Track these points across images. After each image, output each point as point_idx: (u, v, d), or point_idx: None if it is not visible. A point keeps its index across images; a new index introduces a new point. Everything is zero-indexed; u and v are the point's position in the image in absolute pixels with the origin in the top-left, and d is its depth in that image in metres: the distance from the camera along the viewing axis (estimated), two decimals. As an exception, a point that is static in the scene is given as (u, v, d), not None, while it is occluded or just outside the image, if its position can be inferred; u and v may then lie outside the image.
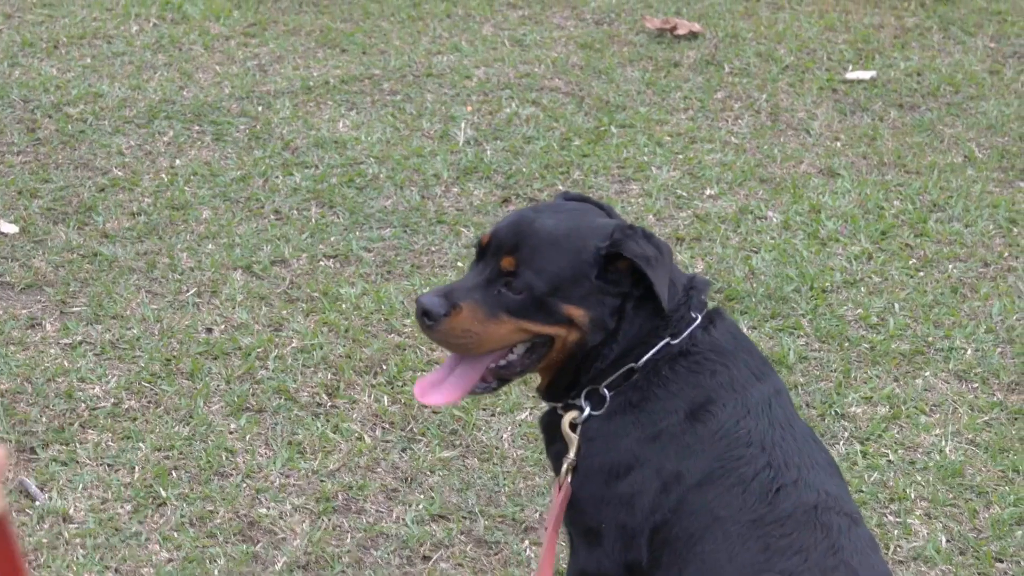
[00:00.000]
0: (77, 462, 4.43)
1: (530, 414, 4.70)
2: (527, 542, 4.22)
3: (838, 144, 6.69)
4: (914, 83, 7.35)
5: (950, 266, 5.67)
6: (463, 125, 6.66)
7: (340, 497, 4.35)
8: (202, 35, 7.54)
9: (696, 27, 7.83)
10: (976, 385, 4.97)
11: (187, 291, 5.30)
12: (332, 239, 5.67)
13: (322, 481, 4.40)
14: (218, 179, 6.09)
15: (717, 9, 8.21)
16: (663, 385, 3.20)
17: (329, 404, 4.74)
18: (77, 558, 4.07)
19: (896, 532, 4.27)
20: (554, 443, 3.31)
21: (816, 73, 7.42)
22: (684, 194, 6.15)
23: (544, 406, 3.39)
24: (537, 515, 4.31)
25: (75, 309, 5.17)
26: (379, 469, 4.48)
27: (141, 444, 4.51)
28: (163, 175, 6.12)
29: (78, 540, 4.13)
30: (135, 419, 4.63)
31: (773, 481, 3.12)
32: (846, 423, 4.74)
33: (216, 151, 6.36)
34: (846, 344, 5.14)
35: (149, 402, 4.71)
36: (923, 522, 4.32)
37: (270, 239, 5.64)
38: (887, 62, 7.58)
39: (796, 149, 6.62)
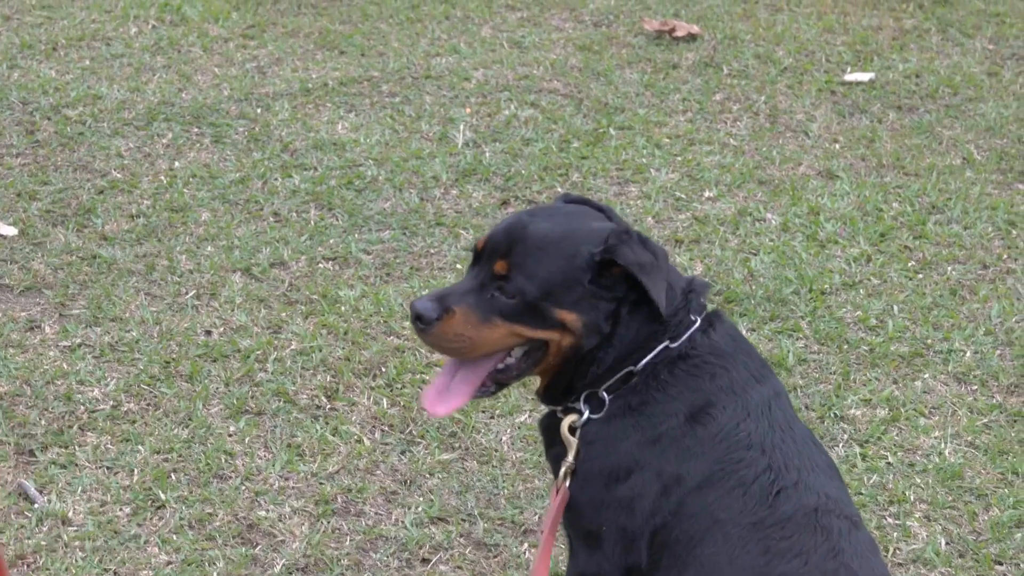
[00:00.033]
0: (76, 465, 4.43)
1: (529, 416, 4.70)
2: (526, 545, 4.22)
3: (837, 146, 6.69)
4: (913, 85, 7.35)
5: (949, 268, 5.67)
6: (462, 127, 6.66)
7: (339, 500, 4.35)
8: (201, 37, 7.54)
9: (695, 29, 7.83)
10: (975, 387, 4.97)
11: (186, 293, 5.30)
12: (331, 241, 5.67)
13: (321, 484, 4.40)
14: (217, 181, 6.09)
15: (715, 11, 8.21)
16: (662, 389, 3.20)
17: (328, 407, 4.73)
18: (76, 561, 4.07)
19: (896, 534, 4.27)
20: (554, 446, 3.31)
21: (815, 75, 7.42)
22: (683, 196, 6.15)
23: (544, 409, 3.39)
24: (536, 518, 4.31)
25: (74, 311, 5.17)
26: (378, 472, 4.48)
27: (140, 447, 4.50)
28: (162, 177, 6.12)
29: (77, 543, 4.13)
30: (134, 422, 4.63)
31: (773, 484, 3.12)
32: (845, 425, 4.74)
33: (215, 153, 6.36)
34: (845, 346, 5.14)
35: (148, 404, 4.71)
36: (922, 524, 4.32)
37: (269, 241, 5.64)
38: (886, 64, 7.58)
39: (795, 151, 6.62)
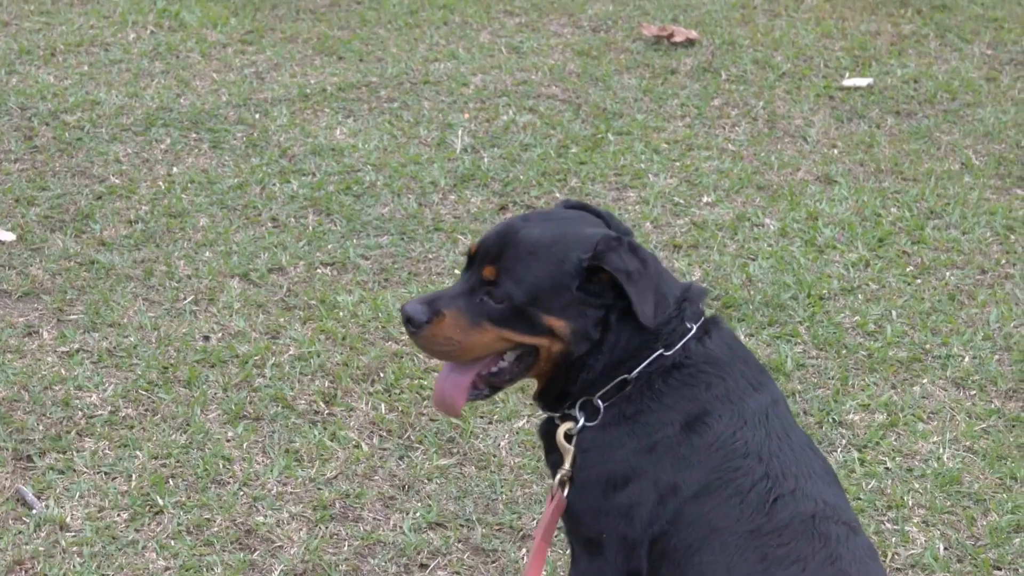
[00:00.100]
0: (74, 470, 4.43)
1: (527, 422, 4.70)
2: (524, 550, 4.22)
3: (835, 151, 6.69)
4: (911, 90, 7.36)
5: (947, 273, 5.67)
6: (460, 132, 6.66)
7: (337, 505, 4.35)
8: (199, 43, 7.55)
9: (693, 34, 7.83)
10: (974, 392, 4.97)
11: (184, 299, 5.30)
12: (329, 247, 5.67)
13: (319, 489, 4.40)
14: (215, 187, 6.09)
15: (714, 16, 8.22)
16: (657, 398, 3.19)
17: (326, 412, 4.73)
18: (74, 566, 4.07)
19: (894, 540, 4.27)
20: (552, 451, 3.32)
21: (813, 80, 7.42)
22: (681, 201, 6.15)
23: (543, 415, 3.39)
24: (534, 523, 4.31)
25: (72, 317, 5.17)
26: (376, 477, 4.48)
27: (138, 452, 4.50)
28: (160, 183, 6.12)
29: (75, 548, 4.13)
30: (132, 427, 4.62)
31: (770, 491, 3.11)
32: (844, 431, 4.74)
33: (213, 159, 6.36)
34: (843, 351, 5.14)
35: (146, 410, 4.71)
36: (921, 530, 4.32)
37: (267, 247, 5.64)
38: (884, 69, 7.58)
39: (793, 156, 6.62)
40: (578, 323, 3.17)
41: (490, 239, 3.23)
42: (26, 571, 4.06)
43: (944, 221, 6.06)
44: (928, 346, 5.19)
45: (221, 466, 4.47)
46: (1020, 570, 4.20)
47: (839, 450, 4.64)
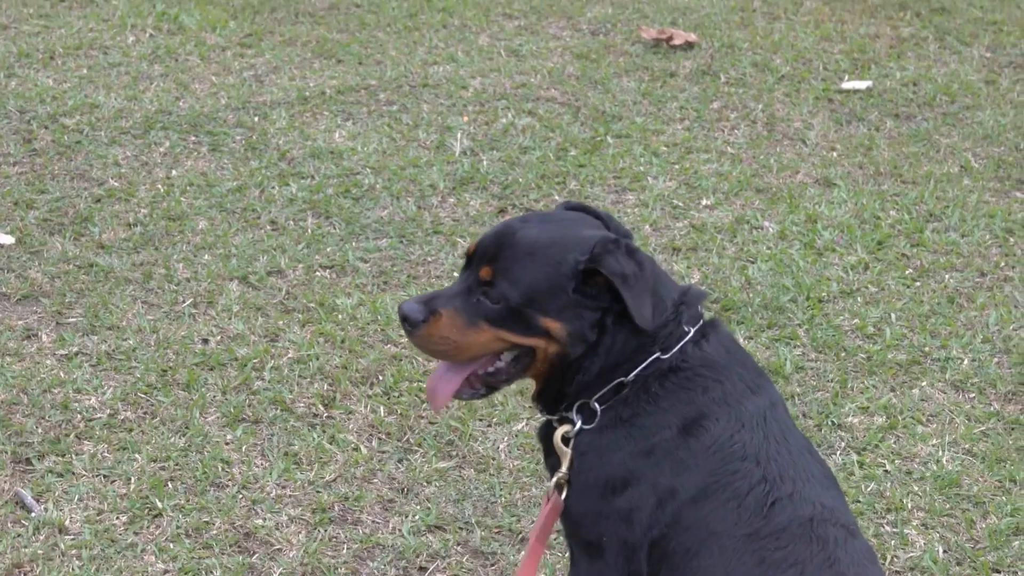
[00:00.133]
0: (73, 473, 4.43)
1: (526, 425, 4.70)
2: (523, 553, 4.22)
3: (834, 154, 6.69)
4: (910, 93, 7.36)
5: (946, 276, 5.67)
6: (459, 135, 6.66)
7: (336, 508, 4.35)
8: (198, 46, 7.55)
9: (692, 37, 7.84)
10: (973, 395, 4.97)
11: (183, 302, 5.30)
12: (328, 249, 5.67)
13: (318, 492, 4.40)
14: (214, 190, 6.09)
15: (713, 19, 8.22)
16: (653, 401, 3.19)
17: (325, 415, 4.73)
18: (73, 569, 4.06)
19: (893, 543, 4.27)
20: (551, 455, 3.31)
21: (812, 83, 7.42)
22: (680, 204, 6.15)
23: (542, 417, 3.38)
24: (533, 526, 4.31)
25: (71, 320, 5.17)
26: (375, 480, 4.47)
27: (137, 455, 4.50)
28: (159, 186, 6.12)
29: (74, 551, 4.12)
30: (131, 430, 4.62)
31: (768, 495, 3.11)
32: (843, 433, 4.73)
33: (212, 162, 6.36)
34: (843, 354, 5.14)
35: (145, 413, 4.71)
36: (920, 532, 4.32)
37: (266, 250, 5.64)
38: (883, 72, 7.58)
39: (792, 159, 6.62)
40: (574, 325, 3.17)
41: (488, 240, 3.23)
42: (25, 574, 4.06)
43: (943, 224, 6.06)
44: (927, 349, 5.19)
45: (220, 469, 4.46)
46: (1019, 573, 4.20)
47: (838, 453, 4.64)
